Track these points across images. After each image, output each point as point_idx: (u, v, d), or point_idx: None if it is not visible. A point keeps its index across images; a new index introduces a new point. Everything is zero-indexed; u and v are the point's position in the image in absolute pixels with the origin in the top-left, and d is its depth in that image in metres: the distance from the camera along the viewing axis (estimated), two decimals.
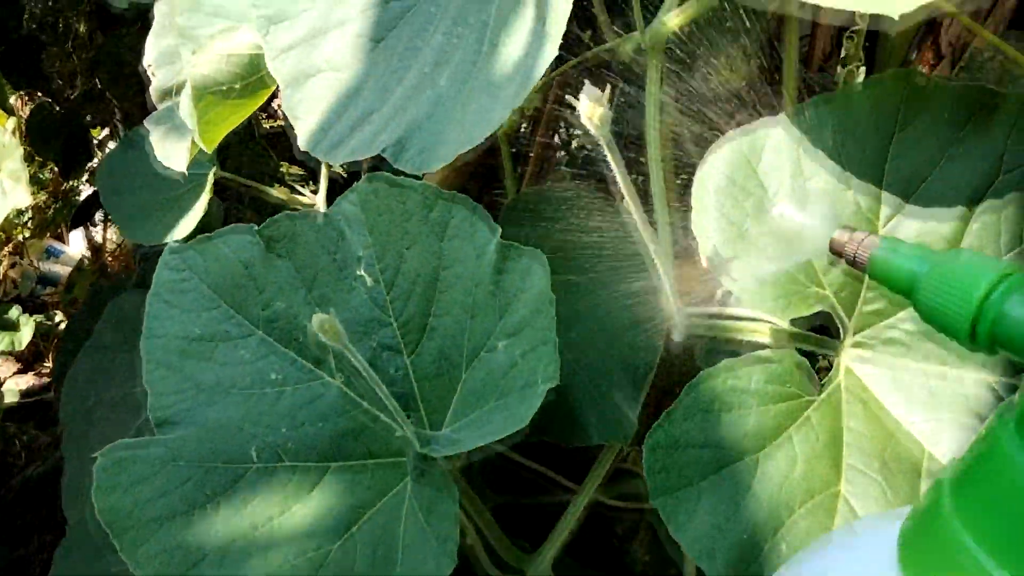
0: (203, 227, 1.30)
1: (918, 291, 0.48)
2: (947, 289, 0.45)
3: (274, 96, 1.11)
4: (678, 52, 0.87)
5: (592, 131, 0.56)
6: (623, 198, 0.63)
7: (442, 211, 0.70)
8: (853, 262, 0.53)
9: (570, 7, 0.61)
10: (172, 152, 1.04)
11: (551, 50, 0.62)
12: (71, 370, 1.46)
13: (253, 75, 0.90)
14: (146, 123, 1.09)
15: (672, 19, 0.75)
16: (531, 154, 1.21)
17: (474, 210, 0.69)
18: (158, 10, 1.23)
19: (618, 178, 0.58)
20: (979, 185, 0.62)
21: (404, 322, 0.71)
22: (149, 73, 1.23)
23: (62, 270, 2.91)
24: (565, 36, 0.90)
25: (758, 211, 0.66)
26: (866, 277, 0.64)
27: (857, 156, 0.64)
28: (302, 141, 0.85)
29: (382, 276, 0.72)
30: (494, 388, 0.64)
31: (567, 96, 0.57)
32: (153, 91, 1.20)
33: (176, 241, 0.75)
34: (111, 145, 2.82)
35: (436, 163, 0.69)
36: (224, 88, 0.88)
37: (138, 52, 1.47)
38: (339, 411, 0.74)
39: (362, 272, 0.71)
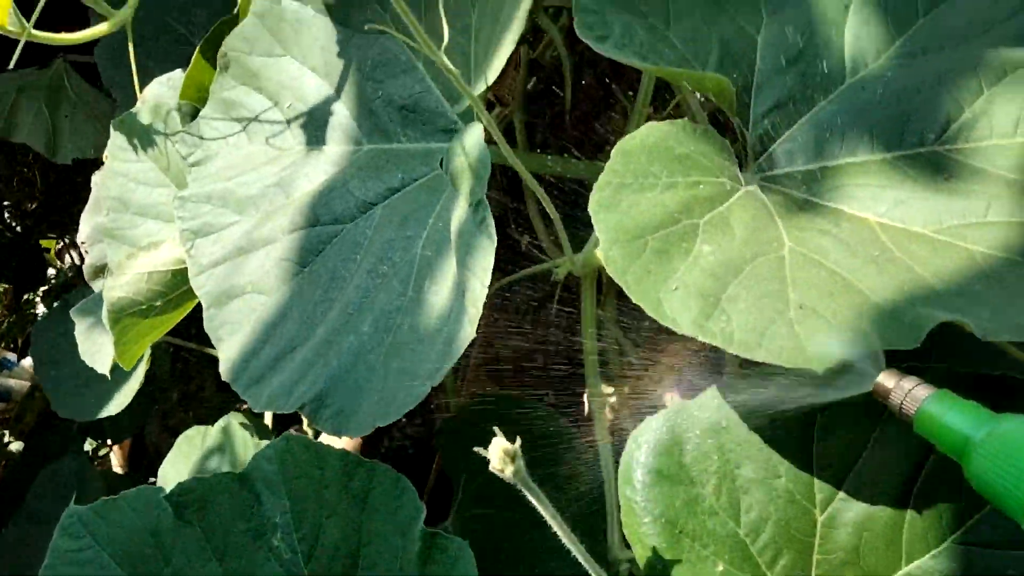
0: (148, 380, 1.23)
1: (971, 458, 0.43)
2: (1004, 462, 0.42)
3: None
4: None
5: (505, 478, 0.51)
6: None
7: (363, 480, 0.64)
8: (899, 412, 0.48)
9: (486, 289, 0.57)
10: (96, 350, 0.98)
11: (470, 330, 0.58)
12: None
13: (175, 290, 0.84)
14: (72, 313, 1.03)
15: (598, 255, 0.72)
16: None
17: (397, 481, 0.64)
18: (94, 182, 1.19)
19: (541, 511, 0.53)
20: (911, 467, 0.58)
21: None
22: (83, 250, 1.17)
23: (16, 384, 2.79)
24: (503, 241, 0.86)
25: (691, 508, 0.60)
26: None
27: (783, 439, 0.60)
28: (223, 370, 0.79)
29: (300, 546, 0.65)
30: None
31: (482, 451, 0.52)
32: (86, 269, 1.15)
33: (76, 506, 0.68)
34: (67, 257, 2.74)
35: (352, 431, 0.63)
36: (144, 307, 0.82)
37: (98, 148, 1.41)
38: None
39: (279, 541, 0.64)
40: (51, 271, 2.69)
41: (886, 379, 0.48)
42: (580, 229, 0.83)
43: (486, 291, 0.57)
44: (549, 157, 0.79)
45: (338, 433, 0.63)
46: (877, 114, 0.57)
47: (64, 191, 2.34)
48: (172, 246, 0.84)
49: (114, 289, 0.80)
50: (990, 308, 0.43)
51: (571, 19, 1.00)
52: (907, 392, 0.47)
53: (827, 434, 0.57)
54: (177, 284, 0.84)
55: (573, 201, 0.86)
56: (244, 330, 0.78)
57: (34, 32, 0.91)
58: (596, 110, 0.99)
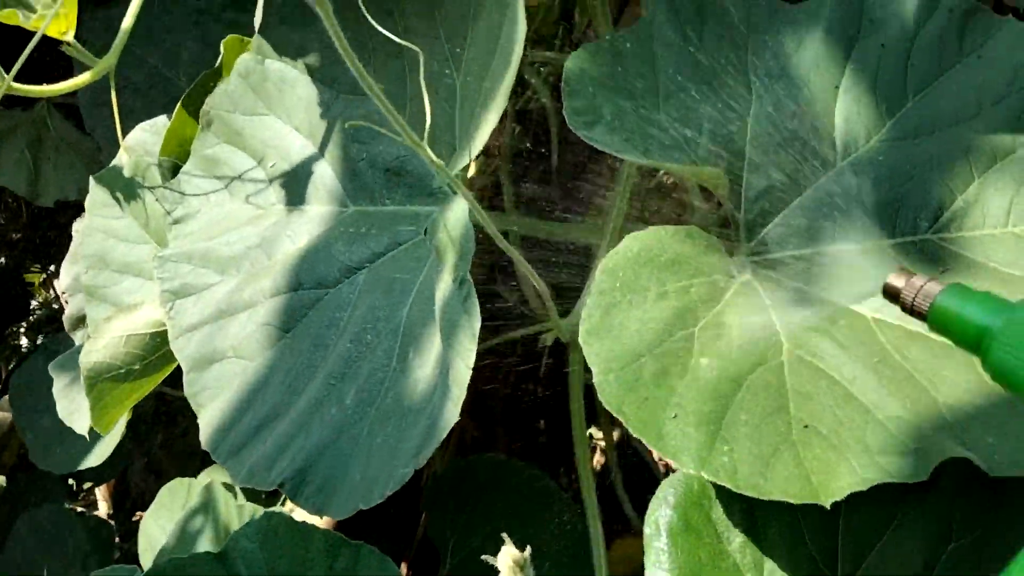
0: (131, 426, 1.19)
1: (990, 348, 0.40)
2: None
3: None
4: None
5: None
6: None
7: (347, 561, 0.61)
8: (911, 310, 0.44)
9: (470, 370, 0.55)
10: (75, 409, 0.94)
11: (454, 412, 0.55)
12: None
13: (154, 353, 0.81)
14: (51, 369, 0.99)
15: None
16: None
17: (382, 562, 0.61)
18: (75, 230, 1.15)
19: None
20: (931, 551, 0.55)
21: None
22: (63, 300, 1.14)
23: None
24: (491, 297, 0.83)
25: (715, 563, 0.58)
26: None
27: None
28: (203, 437, 0.75)
29: None
30: None
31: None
32: (66, 319, 1.11)
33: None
34: (52, 289, 2.68)
35: (334, 512, 0.61)
36: (122, 371, 0.79)
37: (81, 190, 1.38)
38: None
39: None
40: (35, 302, 2.64)
41: (895, 279, 0.45)
42: (568, 291, 0.81)
43: (470, 372, 0.54)
44: (539, 221, 0.77)
45: (319, 513, 0.60)
46: (870, 198, 0.56)
47: (50, 222, 2.29)
48: (151, 308, 0.81)
49: (91, 353, 0.77)
50: (995, 432, 0.41)
51: (557, 72, 0.98)
52: (919, 289, 0.44)
53: (854, 508, 0.54)
54: (156, 347, 0.81)
55: (562, 256, 0.84)
56: (225, 396, 0.75)
57: (14, 85, 0.88)
58: (584, 163, 0.97)
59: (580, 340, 0.49)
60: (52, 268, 2.54)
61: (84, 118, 1.32)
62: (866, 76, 0.58)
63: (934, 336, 0.49)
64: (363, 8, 0.73)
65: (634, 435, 0.44)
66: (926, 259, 0.53)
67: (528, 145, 0.99)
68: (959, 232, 0.53)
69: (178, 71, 1.39)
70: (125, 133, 1.09)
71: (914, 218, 0.54)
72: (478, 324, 0.56)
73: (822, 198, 0.57)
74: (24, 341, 2.58)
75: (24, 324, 2.53)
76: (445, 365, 0.58)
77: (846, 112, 0.58)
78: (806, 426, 0.43)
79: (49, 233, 2.33)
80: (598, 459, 1.29)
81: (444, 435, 0.55)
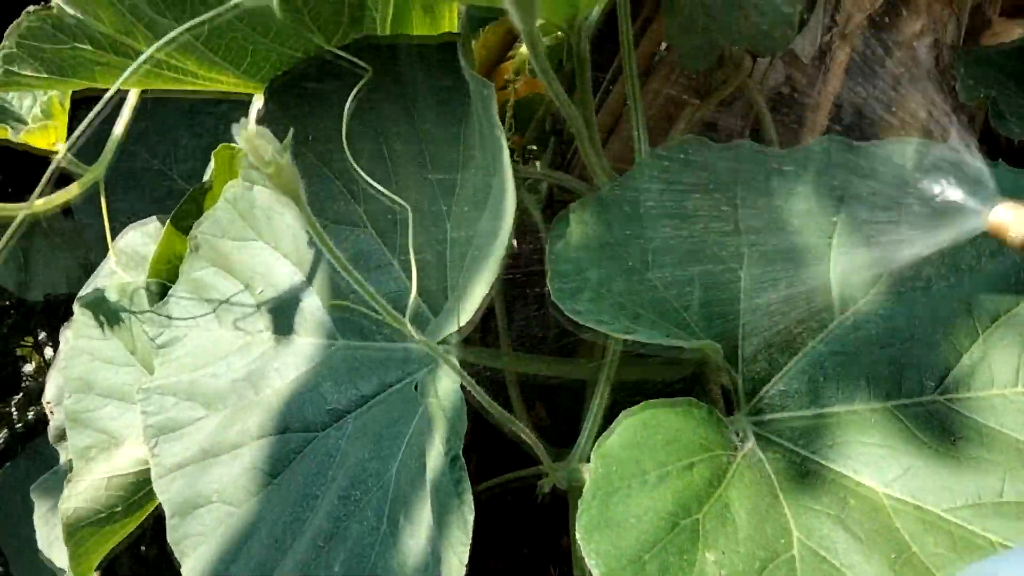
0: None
1: None
2: None
3: None
4: None
5: None
6: None
7: None
8: (1021, 246, 0.42)
9: (464, 566, 0.51)
10: (55, 539, 0.90)
11: None
12: None
13: (137, 493, 0.77)
14: (32, 492, 0.95)
15: (584, 469, 0.66)
16: None
17: None
18: (64, 337, 1.12)
19: None
20: None
21: None
22: (47, 411, 1.10)
23: None
24: (484, 428, 0.80)
25: None
26: None
27: None
28: None
29: None
30: None
31: None
32: (51, 431, 1.07)
33: None
34: (45, 353, 2.63)
35: None
36: (104, 514, 0.75)
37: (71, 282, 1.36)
38: None
39: None
40: (27, 367, 2.59)
41: (1002, 212, 0.42)
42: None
43: (464, 568, 0.51)
44: (535, 358, 0.74)
45: None
46: (872, 356, 0.53)
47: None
48: (133, 445, 0.78)
49: (70, 499, 0.73)
50: None
51: (549, 191, 0.96)
52: None
53: None
54: (139, 487, 0.77)
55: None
56: (209, 545, 0.71)
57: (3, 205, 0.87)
58: None
59: (578, 537, 0.46)
60: (43, 335, 2.50)
61: (76, 214, 1.30)
62: (859, 227, 0.56)
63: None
64: (349, 154, 0.71)
65: None
66: (937, 428, 0.50)
67: (522, 263, 0.97)
68: (967, 393, 0.50)
69: (172, 165, 1.37)
70: (118, 230, 1.06)
71: (919, 378, 0.51)
72: (472, 514, 0.52)
73: (821, 356, 0.54)
74: (15, 412, 2.52)
75: (17, 396, 2.48)
76: (437, 552, 0.54)
77: (841, 265, 0.56)
78: None
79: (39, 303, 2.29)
80: None
81: None
